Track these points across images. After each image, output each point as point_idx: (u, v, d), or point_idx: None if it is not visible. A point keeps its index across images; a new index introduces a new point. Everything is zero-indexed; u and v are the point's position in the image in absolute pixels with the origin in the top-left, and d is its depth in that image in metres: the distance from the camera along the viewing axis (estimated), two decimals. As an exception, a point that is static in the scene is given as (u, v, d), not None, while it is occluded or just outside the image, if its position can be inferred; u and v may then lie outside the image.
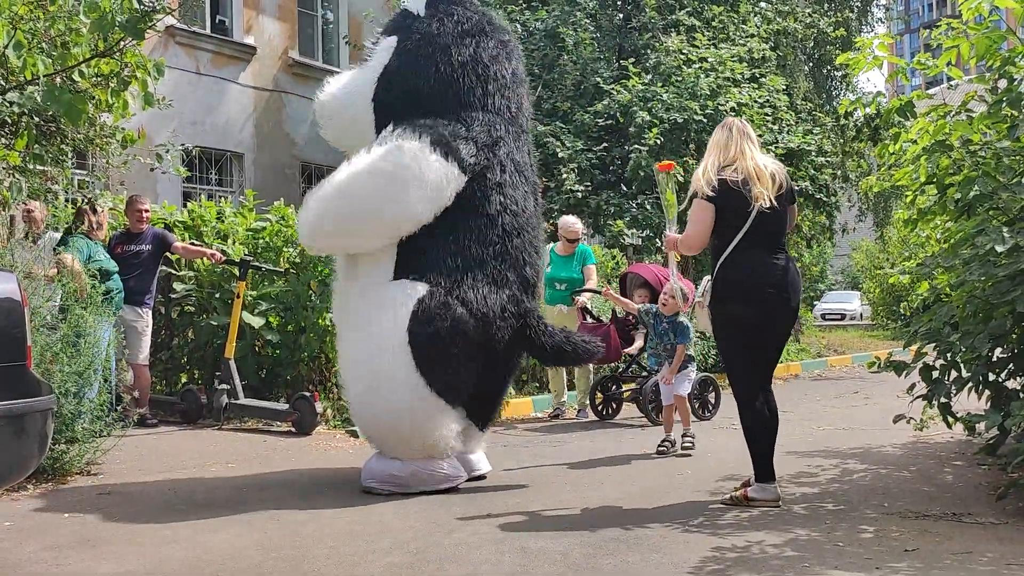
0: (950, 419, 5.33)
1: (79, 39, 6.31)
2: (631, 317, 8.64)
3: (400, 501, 5.14)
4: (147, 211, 8.05)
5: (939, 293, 5.68)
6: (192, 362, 8.94)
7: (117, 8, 6.06)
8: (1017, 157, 4.95)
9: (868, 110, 5.97)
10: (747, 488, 4.95)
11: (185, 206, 10.52)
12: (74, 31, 6.25)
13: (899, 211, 5.99)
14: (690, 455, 6.58)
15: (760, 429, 4.89)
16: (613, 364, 9.30)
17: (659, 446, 6.69)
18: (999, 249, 4.39)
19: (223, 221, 9.05)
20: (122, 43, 6.26)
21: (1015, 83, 4.77)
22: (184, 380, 8.91)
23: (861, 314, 34.15)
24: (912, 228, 5.96)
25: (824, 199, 14.23)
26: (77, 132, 6.85)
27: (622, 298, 8.01)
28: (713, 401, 8.76)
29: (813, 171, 13.79)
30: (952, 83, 5.89)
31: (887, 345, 20.09)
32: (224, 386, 7.81)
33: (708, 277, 5.14)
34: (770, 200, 4.79)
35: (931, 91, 5.85)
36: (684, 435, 6.76)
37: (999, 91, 5.02)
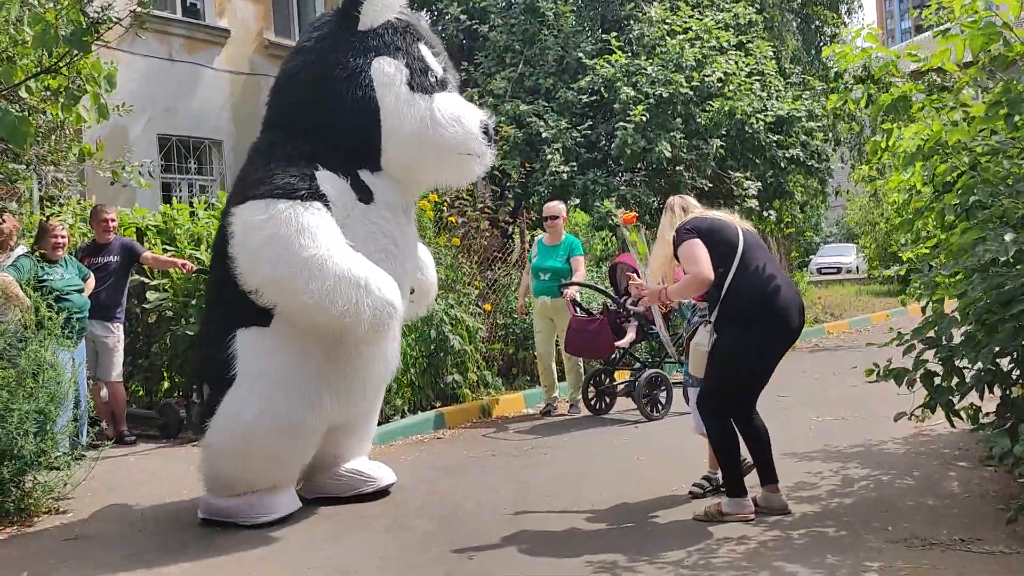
0: (954, 418, 5.08)
1: (26, 51, 5.96)
2: (622, 310, 8.38)
3: (395, 531, 4.91)
4: (113, 221, 7.74)
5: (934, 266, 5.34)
6: (172, 369, 8.69)
7: (62, 20, 5.72)
8: (1018, 151, 4.65)
9: (855, 94, 5.63)
10: (720, 503, 4.89)
11: (168, 201, 10.21)
12: (19, 43, 5.91)
13: (892, 178, 5.62)
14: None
15: (731, 443, 4.84)
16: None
17: (694, 484, 5.42)
18: (1001, 259, 4.11)
19: (196, 223, 8.74)
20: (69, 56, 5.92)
21: (1016, 81, 4.44)
22: (165, 386, 8.69)
23: (857, 267, 33.78)
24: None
25: (816, 165, 13.90)
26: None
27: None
28: (664, 400, 8.25)
29: (804, 136, 13.45)
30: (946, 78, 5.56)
31: (883, 303, 19.84)
32: (202, 400, 7.56)
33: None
34: (750, 225, 4.86)
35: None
36: (706, 476, 5.45)
37: (994, 83, 4.72)
